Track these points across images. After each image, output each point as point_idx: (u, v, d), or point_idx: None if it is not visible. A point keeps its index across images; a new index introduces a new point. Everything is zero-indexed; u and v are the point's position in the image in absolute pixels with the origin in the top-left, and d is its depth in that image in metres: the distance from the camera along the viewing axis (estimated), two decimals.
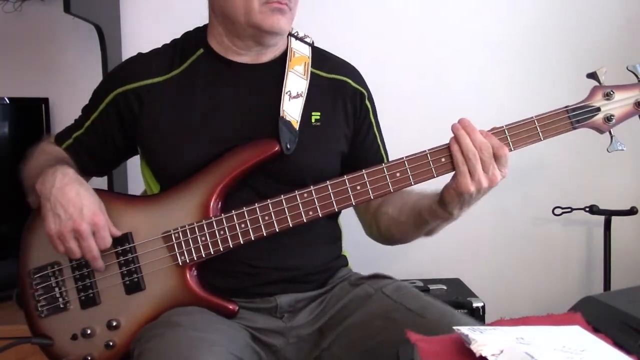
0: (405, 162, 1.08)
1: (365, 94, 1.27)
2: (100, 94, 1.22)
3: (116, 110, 1.19)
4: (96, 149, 1.24)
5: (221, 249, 1.10)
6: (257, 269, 1.14)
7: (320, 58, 1.26)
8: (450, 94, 1.96)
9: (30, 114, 1.88)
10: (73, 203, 1.05)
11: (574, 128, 1.09)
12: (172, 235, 1.11)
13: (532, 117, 1.08)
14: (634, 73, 1.10)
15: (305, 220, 1.09)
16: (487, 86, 1.97)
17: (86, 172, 1.23)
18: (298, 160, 1.14)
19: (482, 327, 0.79)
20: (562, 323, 0.84)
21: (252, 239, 1.09)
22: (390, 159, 1.24)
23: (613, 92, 1.09)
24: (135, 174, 1.50)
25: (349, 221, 1.30)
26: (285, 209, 1.09)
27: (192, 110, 1.16)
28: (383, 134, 1.31)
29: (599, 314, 1.05)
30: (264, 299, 1.15)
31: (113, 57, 1.80)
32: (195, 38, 1.23)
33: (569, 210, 1.89)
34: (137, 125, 1.18)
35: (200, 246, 1.10)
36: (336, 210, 1.09)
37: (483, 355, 0.70)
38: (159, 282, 1.12)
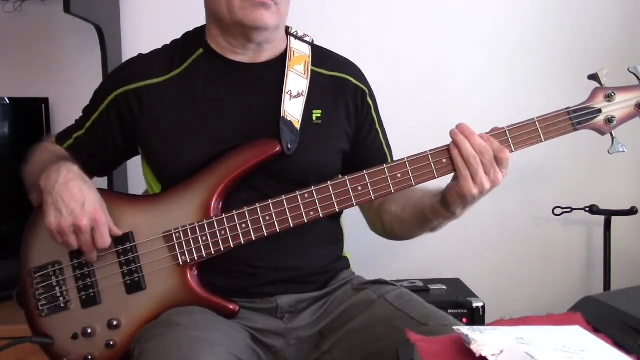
0: (407, 162, 1.08)
1: (367, 91, 1.27)
2: (100, 95, 1.22)
3: (117, 111, 1.19)
4: (97, 149, 1.24)
5: (222, 249, 1.10)
6: (257, 269, 1.14)
7: (321, 56, 1.26)
8: (450, 94, 1.97)
9: (30, 114, 1.88)
10: (75, 199, 1.05)
11: (575, 129, 1.09)
12: (173, 235, 1.11)
13: (533, 119, 1.07)
14: (635, 74, 1.09)
15: (306, 221, 1.09)
16: (486, 86, 1.97)
17: (87, 172, 1.23)
18: (299, 159, 1.14)
19: (482, 327, 0.79)
20: (562, 323, 0.84)
21: (253, 239, 1.09)
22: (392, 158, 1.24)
23: (614, 94, 1.09)
24: (136, 174, 1.50)
25: (350, 221, 1.30)
26: (286, 209, 1.09)
27: (192, 110, 1.16)
28: None
29: (599, 314, 1.05)
30: (265, 299, 1.15)
31: (113, 57, 1.80)
32: (195, 38, 1.23)
33: (569, 210, 1.89)
34: (137, 126, 1.18)
35: (201, 246, 1.10)
36: (337, 210, 1.09)
37: (483, 355, 0.70)
38: (159, 282, 1.12)
